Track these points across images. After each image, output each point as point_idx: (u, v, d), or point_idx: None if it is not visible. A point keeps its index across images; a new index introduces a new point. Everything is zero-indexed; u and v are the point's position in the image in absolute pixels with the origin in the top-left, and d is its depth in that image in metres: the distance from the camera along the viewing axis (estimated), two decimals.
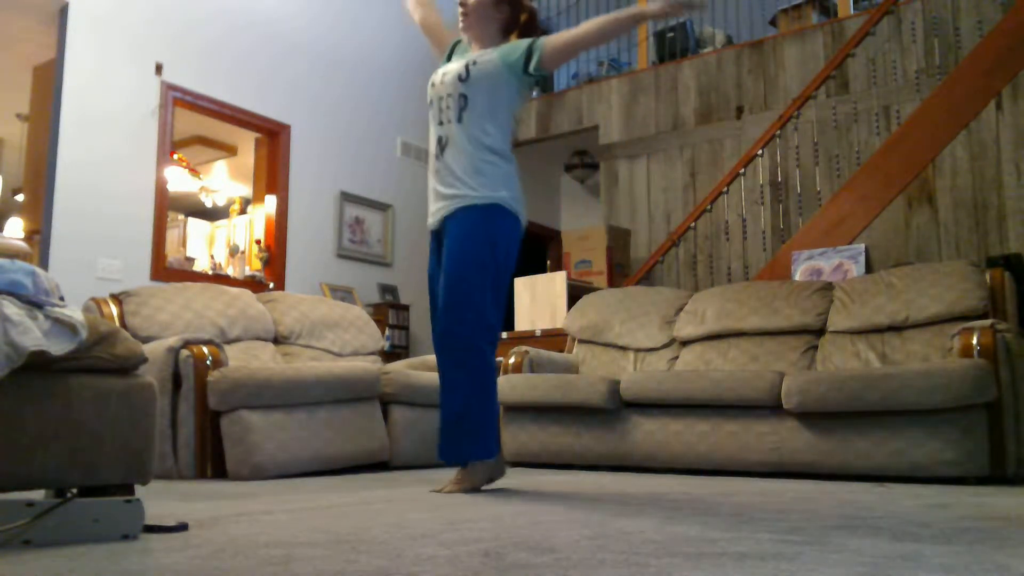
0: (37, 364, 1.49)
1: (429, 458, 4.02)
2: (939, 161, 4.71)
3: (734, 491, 2.60)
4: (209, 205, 8.21)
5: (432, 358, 4.58)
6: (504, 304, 2.64)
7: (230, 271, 6.21)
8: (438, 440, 2.67)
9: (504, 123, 2.63)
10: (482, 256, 2.52)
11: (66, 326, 1.55)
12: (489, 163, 2.56)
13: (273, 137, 5.65)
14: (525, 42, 2.62)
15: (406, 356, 5.94)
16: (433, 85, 2.69)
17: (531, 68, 2.58)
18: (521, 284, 5.47)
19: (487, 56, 2.62)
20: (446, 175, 2.60)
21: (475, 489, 2.54)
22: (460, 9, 2.69)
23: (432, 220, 2.67)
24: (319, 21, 6.01)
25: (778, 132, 5.19)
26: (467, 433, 2.57)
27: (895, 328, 3.71)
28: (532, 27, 2.76)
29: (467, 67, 2.60)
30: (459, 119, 2.58)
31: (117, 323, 3.69)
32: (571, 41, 2.57)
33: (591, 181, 8.00)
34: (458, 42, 2.82)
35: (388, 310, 6.06)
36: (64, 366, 1.56)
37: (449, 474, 2.78)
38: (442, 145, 2.62)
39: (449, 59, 2.79)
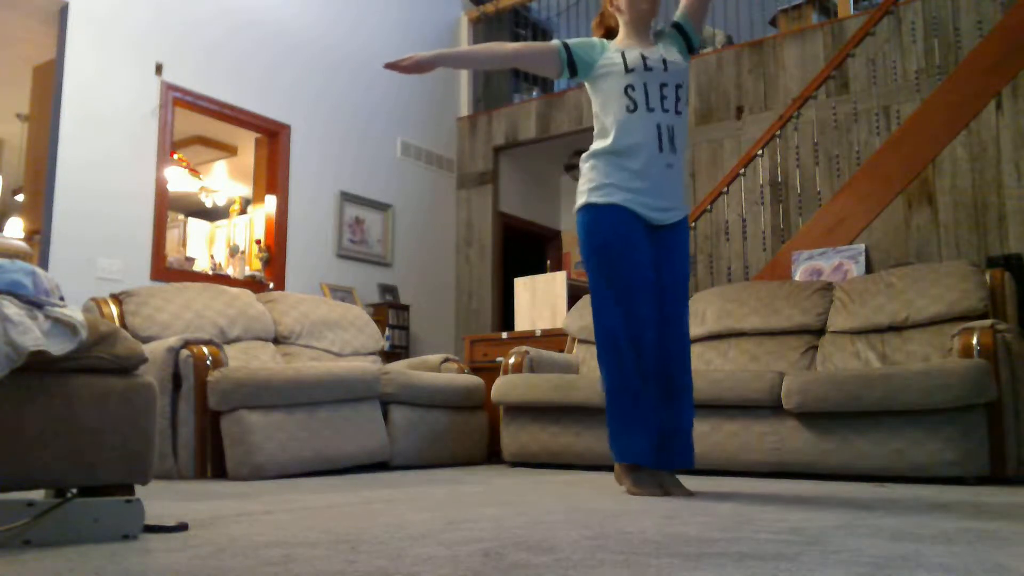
0: (37, 364, 1.49)
1: (429, 458, 4.03)
2: (939, 161, 4.71)
3: (734, 491, 2.60)
4: (209, 205, 8.21)
5: (432, 358, 4.58)
6: None
7: (230, 271, 6.21)
8: (683, 448, 2.53)
9: None
10: None
11: (66, 326, 1.55)
12: None
13: (273, 137, 5.65)
14: (672, 29, 2.67)
15: (406, 356, 5.94)
16: (651, 70, 2.51)
17: (694, 44, 2.68)
18: (521, 284, 5.47)
19: (675, 51, 2.61)
20: (677, 177, 2.54)
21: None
22: None
23: (659, 216, 2.52)
24: (319, 21, 6.01)
25: (778, 132, 5.19)
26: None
27: (895, 328, 3.71)
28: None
29: (682, 58, 2.59)
30: (684, 112, 2.54)
31: (117, 323, 3.69)
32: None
33: None
34: (572, 44, 2.65)
35: (388, 310, 6.06)
36: (64, 366, 1.56)
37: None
38: (672, 136, 2.50)
39: (585, 57, 2.62)
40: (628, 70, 2.52)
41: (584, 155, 2.62)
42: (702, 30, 2.70)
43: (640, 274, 2.47)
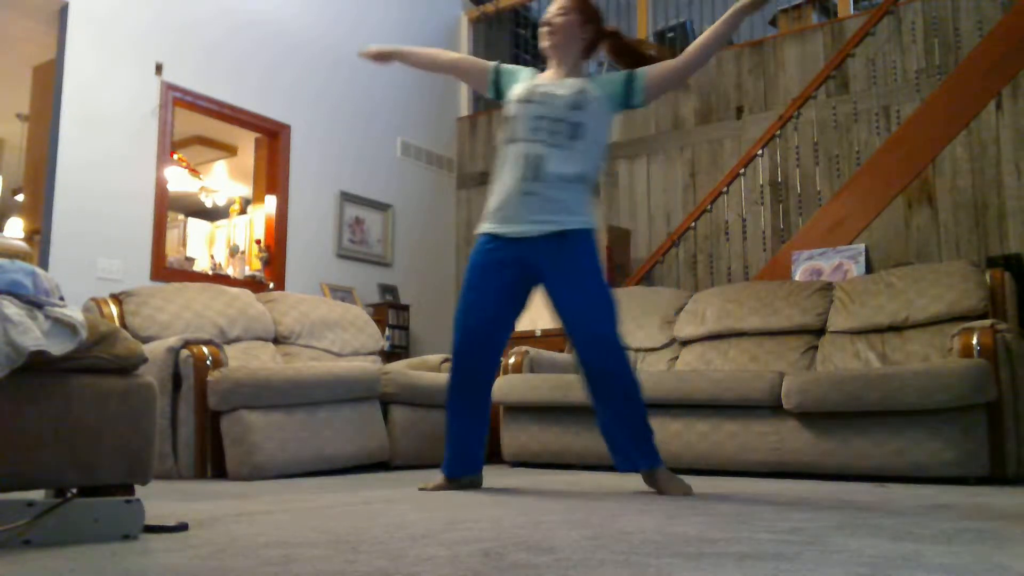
0: (37, 364, 1.49)
1: (429, 458, 4.03)
2: (939, 161, 4.71)
3: (734, 491, 2.60)
4: (209, 205, 8.21)
5: (432, 358, 4.58)
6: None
7: (230, 271, 6.20)
8: (634, 448, 2.59)
9: (605, 154, 2.69)
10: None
11: (66, 326, 1.55)
12: (585, 191, 2.60)
13: (273, 137, 5.65)
14: (621, 75, 2.64)
15: (406, 356, 5.93)
16: (529, 103, 2.59)
17: (635, 102, 2.63)
18: None
19: (591, 89, 2.60)
20: (542, 203, 2.53)
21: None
22: (546, 28, 2.67)
23: (515, 231, 2.55)
24: (319, 21, 6.01)
25: (778, 132, 5.19)
26: None
27: (895, 328, 3.71)
28: (622, 50, 2.75)
29: (578, 96, 2.57)
30: (569, 145, 2.53)
31: (117, 323, 3.69)
32: (674, 69, 2.62)
33: None
34: (502, 67, 2.78)
35: (388, 310, 6.06)
36: (64, 366, 1.56)
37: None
38: (537, 166, 2.53)
39: (507, 82, 2.73)
40: (514, 101, 2.65)
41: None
42: (653, 98, 2.67)
43: (472, 303, 2.60)
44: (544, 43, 2.70)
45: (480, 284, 2.60)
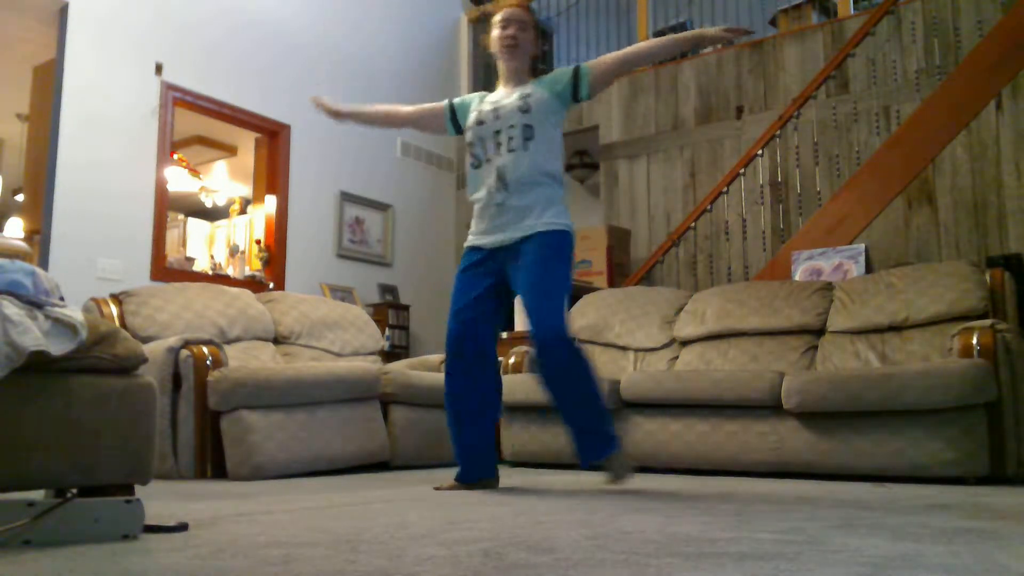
0: (37, 364, 1.49)
1: (429, 458, 4.03)
2: (939, 161, 4.71)
3: (734, 491, 2.60)
4: (209, 205, 8.21)
5: (432, 358, 4.58)
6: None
7: (230, 271, 6.21)
8: (585, 442, 2.66)
9: (560, 149, 2.78)
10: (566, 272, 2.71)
11: (66, 326, 1.55)
12: (552, 188, 2.69)
13: (273, 137, 5.65)
14: (567, 71, 2.77)
15: (406, 356, 5.93)
16: (482, 123, 2.72)
17: (581, 95, 2.74)
18: None
19: (534, 90, 2.72)
20: (511, 212, 2.65)
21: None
22: (509, 42, 2.77)
23: (495, 241, 2.69)
24: (319, 21, 6.01)
25: (778, 132, 5.19)
26: None
27: (895, 328, 3.71)
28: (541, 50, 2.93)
29: (524, 100, 2.69)
30: (524, 147, 2.65)
31: (117, 323, 3.69)
32: (620, 61, 2.75)
33: (591, 181, 7.99)
34: (455, 102, 2.90)
35: (388, 310, 6.06)
36: (64, 366, 1.56)
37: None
38: (502, 177, 2.65)
39: (462, 114, 2.84)
40: (471, 128, 2.75)
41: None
42: (599, 90, 2.79)
43: (459, 309, 2.70)
44: (508, 61, 2.79)
45: (463, 289, 2.72)
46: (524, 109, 2.67)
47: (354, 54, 6.25)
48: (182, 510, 2.01)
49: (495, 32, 2.81)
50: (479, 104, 2.81)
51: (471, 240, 2.77)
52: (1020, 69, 4.51)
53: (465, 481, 2.68)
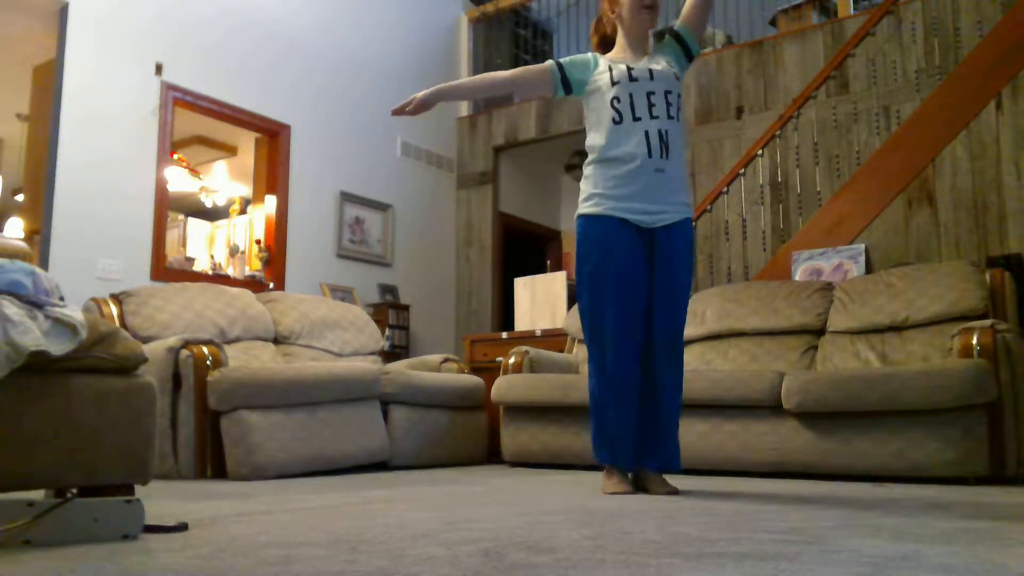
0: (37, 364, 1.49)
1: (429, 458, 4.03)
2: (939, 161, 4.71)
3: (734, 491, 2.60)
4: (209, 205, 8.20)
5: (432, 358, 4.58)
6: None
7: (230, 271, 6.20)
8: (664, 449, 2.59)
9: None
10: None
11: (66, 326, 1.55)
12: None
13: (273, 137, 5.65)
14: (669, 38, 2.73)
15: (406, 356, 5.93)
16: (635, 80, 2.57)
17: (693, 52, 2.73)
18: (521, 284, 5.47)
19: (664, 60, 2.66)
20: (670, 182, 2.57)
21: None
22: (652, 5, 2.65)
23: (649, 219, 2.56)
24: (319, 21, 6.01)
25: (778, 132, 5.19)
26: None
27: (895, 328, 3.71)
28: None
29: (671, 68, 2.64)
30: (677, 117, 2.60)
31: (117, 323, 3.69)
32: (695, 5, 2.67)
33: None
34: (564, 62, 2.73)
35: (388, 310, 6.06)
36: (64, 366, 1.56)
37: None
38: (664, 141, 2.55)
39: (578, 73, 2.70)
40: (614, 83, 2.61)
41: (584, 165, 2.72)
42: (701, 38, 2.74)
43: (619, 285, 2.55)
44: (647, 26, 2.69)
45: (622, 265, 2.55)
46: (678, 77, 2.63)
47: (354, 54, 6.24)
48: (182, 510, 2.01)
49: None
50: (616, 62, 2.65)
51: (614, 208, 2.56)
52: (1020, 69, 4.51)
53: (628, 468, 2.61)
